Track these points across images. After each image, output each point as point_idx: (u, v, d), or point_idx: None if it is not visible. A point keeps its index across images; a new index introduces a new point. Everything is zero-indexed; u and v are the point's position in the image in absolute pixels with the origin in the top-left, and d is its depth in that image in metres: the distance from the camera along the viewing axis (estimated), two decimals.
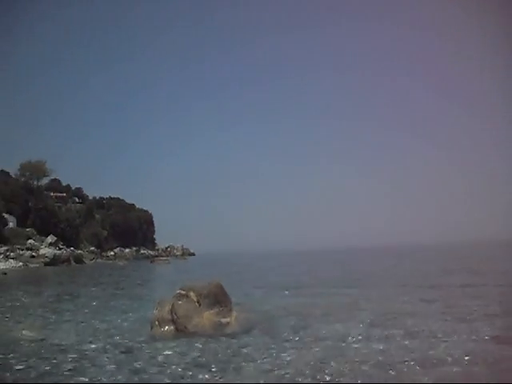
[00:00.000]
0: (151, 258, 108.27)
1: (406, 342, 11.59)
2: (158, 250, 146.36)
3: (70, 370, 9.96)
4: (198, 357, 11.03)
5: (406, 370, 9.44)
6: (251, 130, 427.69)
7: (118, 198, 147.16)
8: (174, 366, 10.17)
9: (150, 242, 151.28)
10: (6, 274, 46.60)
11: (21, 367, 10.26)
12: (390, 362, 9.92)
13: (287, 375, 9.27)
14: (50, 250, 78.81)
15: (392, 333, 12.67)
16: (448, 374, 9.13)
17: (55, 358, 10.99)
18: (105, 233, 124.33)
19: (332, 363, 10.01)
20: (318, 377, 9.01)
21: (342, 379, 8.77)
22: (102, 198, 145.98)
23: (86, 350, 11.71)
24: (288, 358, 10.63)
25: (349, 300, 20.46)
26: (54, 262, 73.10)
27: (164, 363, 10.49)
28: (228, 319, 14.36)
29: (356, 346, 11.35)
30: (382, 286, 27.95)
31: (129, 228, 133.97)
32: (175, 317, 13.79)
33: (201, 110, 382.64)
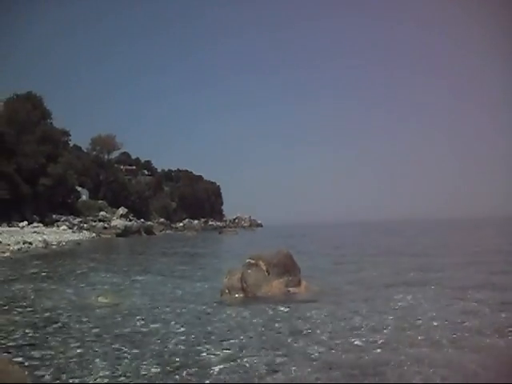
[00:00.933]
0: (219, 229, 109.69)
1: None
2: (225, 221, 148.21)
3: (144, 333, 10.27)
4: (267, 322, 11.15)
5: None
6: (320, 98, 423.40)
7: (186, 171, 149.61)
8: (243, 330, 10.33)
9: (218, 214, 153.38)
10: (79, 244, 48.27)
11: (96, 328, 10.69)
12: (465, 331, 9.75)
13: (357, 342, 9.23)
14: (121, 222, 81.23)
15: (467, 303, 12.39)
16: None
17: (129, 321, 11.38)
18: (173, 205, 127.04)
19: (407, 332, 9.91)
20: (390, 346, 8.90)
21: (412, 349, 8.63)
22: (170, 171, 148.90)
23: (158, 315, 12.03)
24: (357, 325, 10.60)
25: (416, 269, 20.15)
26: (125, 233, 75.24)
27: (234, 327, 10.66)
28: (296, 288, 14.43)
29: (427, 315, 11.11)
30: (448, 255, 27.40)
31: (197, 200, 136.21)
32: (245, 285, 13.97)
33: (266, 78, 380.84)
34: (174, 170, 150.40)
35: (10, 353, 8.59)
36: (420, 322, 10.70)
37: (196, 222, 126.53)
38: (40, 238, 44.09)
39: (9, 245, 35.20)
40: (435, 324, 10.42)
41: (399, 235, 65.48)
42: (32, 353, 8.67)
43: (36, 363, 7.99)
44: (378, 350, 8.65)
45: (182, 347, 9.15)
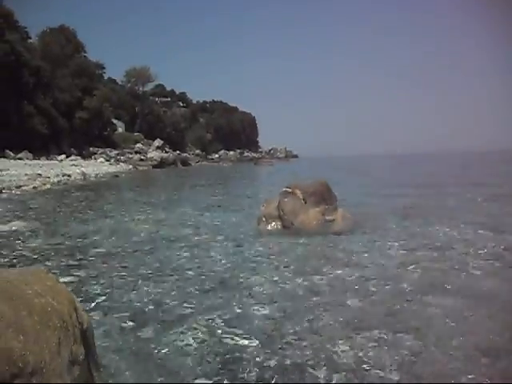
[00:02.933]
0: (255, 160, 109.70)
1: None
2: (261, 152, 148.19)
3: (183, 258, 10.46)
4: (304, 250, 11.23)
5: None
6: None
7: (221, 102, 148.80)
8: (280, 257, 10.43)
9: (254, 145, 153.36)
10: (117, 176, 48.93)
11: (137, 253, 10.95)
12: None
13: (395, 270, 9.23)
14: (157, 154, 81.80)
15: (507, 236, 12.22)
16: None
17: (169, 247, 11.61)
18: (209, 136, 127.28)
19: (441, 261, 9.87)
20: (428, 274, 8.88)
21: (451, 279, 8.58)
22: (205, 102, 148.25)
23: (196, 243, 12.22)
24: (394, 255, 10.59)
25: (463, 200, 19.96)
26: (161, 164, 75.84)
27: (271, 254, 10.77)
28: (333, 217, 14.37)
29: (471, 253, 10.96)
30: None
31: (232, 131, 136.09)
32: (281, 213, 13.99)
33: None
34: (209, 101, 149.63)
35: (55, 274, 8.86)
36: (458, 253, 10.62)
37: (231, 153, 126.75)
38: (78, 171, 44.86)
39: (48, 177, 35.90)
40: (474, 254, 10.34)
41: (442, 167, 64.60)
42: (77, 274, 8.93)
43: (81, 285, 8.22)
44: (418, 279, 8.65)
45: (220, 272, 9.31)
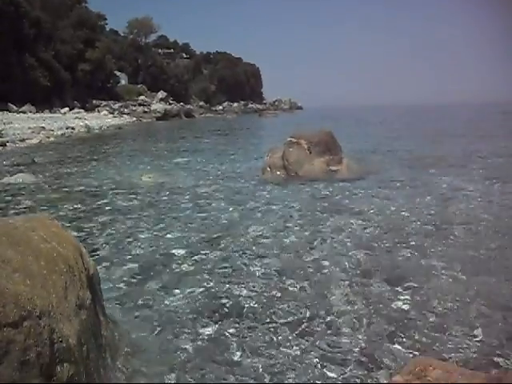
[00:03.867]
0: (259, 112, 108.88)
1: None
2: (265, 103, 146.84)
3: (188, 208, 10.52)
4: (308, 199, 11.26)
5: None
6: None
7: (225, 53, 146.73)
8: (284, 207, 10.48)
9: (258, 96, 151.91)
10: (121, 128, 48.73)
11: (141, 203, 11.05)
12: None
13: (397, 220, 9.26)
14: (160, 106, 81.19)
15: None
16: None
17: (174, 198, 11.66)
18: (212, 87, 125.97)
19: (446, 210, 9.89)
20: (430, 224, 8.91)
21: (456, 229, 8.59)
22: (208, 53, 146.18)
23: (201, 192, 12.27)
24: (401, 202, 10.62)
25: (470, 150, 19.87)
26: (165, 116, 75.28)
27: (275, 203, 10.81)
28: (338, 167, 14.36)
29: (474, 202, 10.95)
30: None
31: (236, 82, 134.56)
32: (286, 163, 13.99)
33: None
34: (212, 52, 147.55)
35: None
36: (462, 202, 10.63)
37: (235, 104, 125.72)
38: (82, 123, 44.66)
39: (52, 130, 35.80)
40: (478, 205, 10.35)
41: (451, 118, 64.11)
42: (82, 225, 9.01)
43: (86, 236, 8.29)
44: (421, 227, 8.69)
45: (225, 221, 9.37)
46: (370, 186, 12.62)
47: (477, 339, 4.68)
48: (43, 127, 36.62)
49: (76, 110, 64.35)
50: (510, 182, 12.76)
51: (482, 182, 12.89)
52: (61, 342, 3.60)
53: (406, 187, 12.39)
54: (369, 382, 4.00)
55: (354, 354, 4.46)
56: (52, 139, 31.34)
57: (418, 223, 8.91)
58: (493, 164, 16.33)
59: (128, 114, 74.27)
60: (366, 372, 4.17)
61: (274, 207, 10.49)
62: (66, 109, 62.99)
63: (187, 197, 11.69)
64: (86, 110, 67.76)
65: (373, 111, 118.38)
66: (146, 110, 79.51)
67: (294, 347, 4.60)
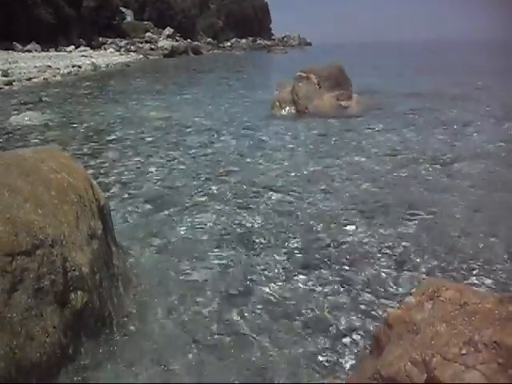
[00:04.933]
0: (268, 48, 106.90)
1: None
2: (274, 40, 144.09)
3: (196, 142, 10.50)
4: (318, 134, 11.17)
5: None
6: None
7: None
8: (293, 141, 10.43)
9: (266, 32, 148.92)
10: (128, 66, 48.08)
11: (150, 139, 11.01)
12: None
13: (408, 154, 9.19)
14: (167, 42, 79.83)
15: None
16: None
17: (182, 133, 11.61)
18: (220, 23, 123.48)
19: (456, 145, 9.81)
20: (440, 159, 8.85)
21: (464, 162, 8.53)
22: None
23: (209, 127, 12.20)
24: (411, 137, 10.52)
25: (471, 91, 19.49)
26: (172, 53, 74.04)
27: (284, 138, 10.75)
28: (348, 102, 14.18)
29: (479, 136, 10.81)
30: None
31: (244, 17, 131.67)
32: (296, 98, 13.81)
33: None
34: None
35: None
36: (471, 137, 10.54)
37: (244, 40, 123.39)
38: (88, 61, 44.10)
39: (58, 69, 35.38)
40: (486, 140, 10.24)
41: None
42: (92, 162, 9.01)
43: (96, 171, 8.29)
44: (431, 162, 8.63)
45: (234, 155, 9.36)
46: (379, 121, 12.47)
47: (487, 265, 4.71)
48: (49, 66, 36.22)
49: (82, 48, 63.52)
50: None
51: (490, 117, 12.73)
52: (74, 270, 3.65)
53: (416, 122, 12.26)
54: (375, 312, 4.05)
55: (365, 282, 4.51)
56: (58, 78, 31.01)
57: (428, 158, 8.85)
58: (501, 99, 16.04)
59: (135, 51, 73.19)
60: (375, 298, 4.22)
61: (283, 142, 10.44)
62: (72, 47, 62.16)
63: (196, 132, 11.65)
64: (92, 48, 66.84)
65: (384, 47, 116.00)
66: (152, 47, 78.27)
67: (304, 277, 4.64)
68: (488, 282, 4.39)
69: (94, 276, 3.86)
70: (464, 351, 1.94)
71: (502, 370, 1.84)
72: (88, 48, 65.19)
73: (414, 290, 2.64)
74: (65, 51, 58.48)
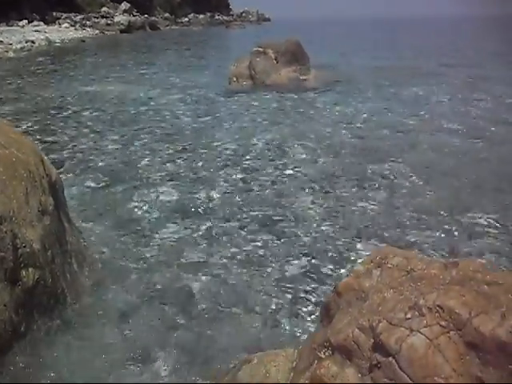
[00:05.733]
0: (226, 24, 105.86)
1: None
2: (232, 15, 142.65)
3: (154, 118, 10.38)
4: (275, 107, 11.18)
5: None
6: None
7: None
8: (251, 114, 10.43)
9: (225, 8, 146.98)
10: (84, 41, 47.00)
11: (106, 114, 10.79)
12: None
13: (366, 127, 9.29)
14: (124, 18, 78.06)
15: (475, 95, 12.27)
16: None
17: (139, 109, 11.44)
18: None
19: (410, 117, 9.96)
20: (398, 132, 8.98)
21: (419, 134, 8.69)
22: None
23: (167, 102, 12.07)
24: (369, 111, 10.62)
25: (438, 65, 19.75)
26: (129, 29, 72.38)
27: (242, 112, 10.72)
28: (306, 76, 14.20)
29: (438, 107, 10.98)
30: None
31: None
32: (253, 72, 13.76)
33: None
34: None
35: None
36: (429, 110, 10.69)
37: (202, 16, 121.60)
38: (42, 37, 42.91)
39: (11, 44, 34.34)
40: (439, 112, 10.42)
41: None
42: (45, 138, 8.81)
43: (50, 148, 8.12)
44: (389, 134, 8.75)
45: (191, 130, 9.30)
46: (338, 95, 12.56)
47: (437, 233, 4.83)
48: (1, 41, 35.13)
49: (35, 23, 61.64)
50: (477, 90, 12.82)
51: (451, 91, 12.93)
52: (24, 247, 3.58)
53: (374, 97, 12.37)
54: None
55: (319, 248, 4.58)
56: (11, 54, 30.08)
57: (386, 131, 8.96)
58: (462, 75, 16.29)
59: (90, 26, 71.36)
60: (329, 264, 4.29)
61: (241, 116, 10.43)
62: (25, 21, 60.25)
63: (152, 107, 11.51)
64: (46, 23, 64.96)
65: (346, 24, 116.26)
66: (109, 22, 76.42)
67: (260, 241, 4.70)
68: (435, 249, 4.52)
69: (46, 252, 3.80)
70: (409, 316, 1.98)
71: (445, 331, 1.89)
72: (42, 23, 63.32)
73: (363, 259, 2.68)
74: (17, 26, 56.72)
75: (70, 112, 11.15)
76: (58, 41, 42.60)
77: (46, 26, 60.34)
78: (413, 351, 1.87)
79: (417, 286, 2.15)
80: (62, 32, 55.49)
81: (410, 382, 1.86)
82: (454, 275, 2.15)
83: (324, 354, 2.28)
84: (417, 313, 1.97)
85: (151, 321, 3.62)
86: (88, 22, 74.90)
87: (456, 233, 4.85)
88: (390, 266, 2.38)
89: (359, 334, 2.10)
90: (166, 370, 3.16)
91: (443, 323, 1.90)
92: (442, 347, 1.87)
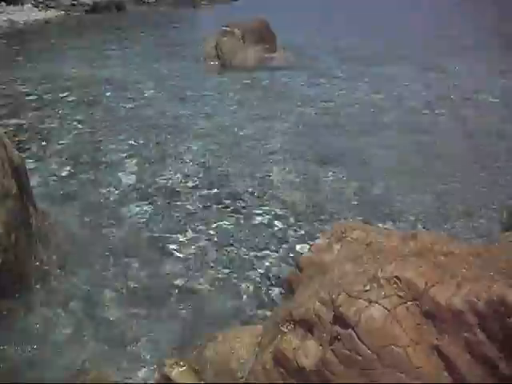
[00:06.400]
0: (193, 3, 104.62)
1: None
2: None
3: (116, 97, 10.27)
4: (244, 86, 11.16)
5: None
6: None
7: None
8: (219, 93, 10.41)
9: None
10: (49, 22, 45.94)
11: (72, 97, 10.60)
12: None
13: (333, 106, 9.34)
14: None
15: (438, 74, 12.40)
16: None
17: (102, 89, 11.30)
18: None
19: (377, 95, 10.04)
20: (364, 111, 9.05)
21: (385, 112, 8.78)
22: None
23: (134, 83, 11.90)
24: (336, 90, 10.66)
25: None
26: (94, 9, 71.17)
27: (211, 92, 10.69)
28: (273, 55, 14.15)
29: (406, 88, 11.06)
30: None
31: None
32: (220, 53, 13.66)
33: None
34: None
35: None
36: (394, 89, 10.78)
37: None
38: (5, 18, 41.88)
39: None
40: (407, 94, 10.52)
41: None
42: (7, 121, 8.62)
43: (13, 131, 7.97)
44: (356, 113, 8.82)
45: (157, 110, 9.27)
46: (305, 74, 12.54)
47: (397, 207, 4.93)
48: None
49: None
50: (439, 71, 12.96)
51: (417, 70, 13.02)
52: None
53: (341, 77, 12.37)
54: None
55: (283, 223, 4.64)
56: None
57: (351, 109, 9.03)
58: (437, 52, 16.38)
59: (54, 7, 70.02)
60: (292, 239, 4.35)
61: (209, 95, 10.38)
62: None
63: (119, 88, 11.35)
64: (7, 3, 63.44)
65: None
66: (73, 2, 74.83)
67: (227, 217, 4.75)
68: (397, 223, 4.61)
69: (10, 236, 3.76)
70: (368, 287, 2.02)
71: (402, 302, 1.93)
72: (3, 3, 61.83)
73: (323, 233, 2.72)
74: None
75: (34, 96, 10.89)
76: (21, 22, 41.48)
77: (7, 7, 58.92)
78: (371, 322, 1.92)
79: (376, 258, 2.19)
80: (26, 12, 54.22)
81: (369, 352, 1.91)
82: (412, 247, 2.20)
83: (287, 328, 2.32)
84: (375, 284, 2.01)
85: (117, 303, 3.62)
86: (52, 3, 73.22)
87: (425, 202, 4.95)
88: (349, 239, 2.43)
89: (320, 308, 2.14)
90: (135, 350, 3.18)
91: (401, 294, 1.95)
92: (400, 317, 1.92)
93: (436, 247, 2.18)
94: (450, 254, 2.11)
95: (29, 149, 7.16)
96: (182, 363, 2.80)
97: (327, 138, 7.29)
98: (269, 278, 3.85)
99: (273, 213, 4.94)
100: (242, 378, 2.55)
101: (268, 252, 4.25)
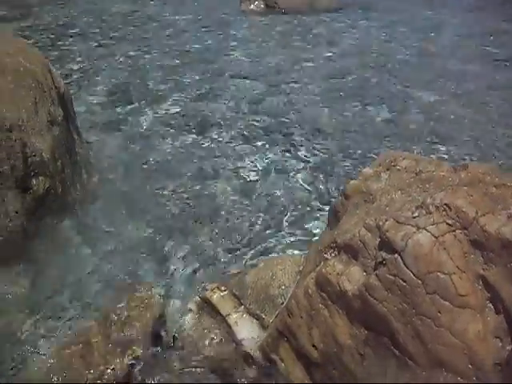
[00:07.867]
0: None
1: None
2: None
3: (163, 34, 10.17)
4: (288, 30, 10.90)
5: None
6: None
7: None
8: (262, 35, 10.23)
9: None
10: None
11: (114, 32, 10.53)
12: None
13: (376, 50, 9.13)
14: None
15: None
16: None
17: (147, 25, 11.18)
18: None
19: (426, 42, 9.75)
20: (410, 55, 8.81)
21: (431, 59, 8.53)
22: None
23: (174, 19, 11.74)
24: (381, 34, 10.37)
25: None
26: None
27: (253, 33, 10.51)
28: None
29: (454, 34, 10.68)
30: None
31: None
32: None
33: None
34: None
35: None
36: (441, 36, 10.44)
37: None
38: None
39: None
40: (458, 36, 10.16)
41: None
42: (52, 51, 8.56)
43: (55, 61, 7.93)
44: (400, 57, 8.58)
45: (201, 47, 9.17)
46: (351, 17, 12.12)
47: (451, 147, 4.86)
48: None
49: None
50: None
51: (462, 13, 12.53)
52: (34, 156, 3.60)
53: (387, 19, 11.95)
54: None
55: (328, 154, 4.64)
56: None
57: (397, 54, 8.81)
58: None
59: None
60: (337, 168, 4.33)
61: (252, 37, 10.18)
62: None
63: (163, 26, 11.18)
64: None
65: None
66: None
67: (270, 157, 4.74)
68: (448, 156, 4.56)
69: (56, 162, 3.82)
70: (416, 214, 1.99)
71: (450, 229, 1.91)
72: None
73: (371, 162, 2.68)
74: None
75: (77, 29, 10.87)
76: None
77: None
78: (418, 248, 1.89)
79: (425, 187, 2.15)
80: None
81: (414, 277, 1.90)
82: (463, 177, 2.15)
83: (330, 254, 2.32)
84: (424, 211, 1.98)
85: (157, 224, 3.69)
86: None
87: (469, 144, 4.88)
88: (398, 168, 2.39)
89: (365, 233, 2.13)
90: (175, 270, 3.26)
91: (450, 221, 1.91)
92: (447, 245, 1.89)
93: (487, 178, 2.12)
94: (503, 185, 2.06)
95: (73, 77, 7.21)
96: (223, 288, 2.85)
97: (367, 82, 7.15)
98: (313, 207, 3.86)
99: (319, 147, 4.91)
100: (282, 303, 2.58)
101: (311, 182, 4.25)
